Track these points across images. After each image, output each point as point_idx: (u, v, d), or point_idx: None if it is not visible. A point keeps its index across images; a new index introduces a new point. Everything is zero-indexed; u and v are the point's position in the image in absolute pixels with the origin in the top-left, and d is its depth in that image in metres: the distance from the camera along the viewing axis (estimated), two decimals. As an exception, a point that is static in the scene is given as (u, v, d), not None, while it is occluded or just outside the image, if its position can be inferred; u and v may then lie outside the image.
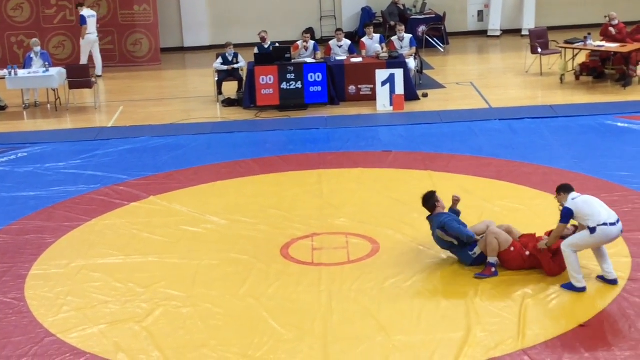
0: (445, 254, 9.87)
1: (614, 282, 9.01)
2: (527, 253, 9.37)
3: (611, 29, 18.14)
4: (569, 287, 8.96)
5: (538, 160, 13.15)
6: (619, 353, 7.79)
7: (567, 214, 8.92)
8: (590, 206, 8.87)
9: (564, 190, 9.12)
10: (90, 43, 20.92)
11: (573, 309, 8.62)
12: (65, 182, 13.23)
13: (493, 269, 9.37)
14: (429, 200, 9.88)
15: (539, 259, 9.30)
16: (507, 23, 24.43)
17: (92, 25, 20.91)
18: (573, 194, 9.01)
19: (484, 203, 11.45)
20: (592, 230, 8.78)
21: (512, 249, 9.39)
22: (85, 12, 20.85)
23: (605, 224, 8.76)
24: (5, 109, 18.18)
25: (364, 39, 18.48)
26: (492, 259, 9.39)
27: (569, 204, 8.93)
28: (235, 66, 17.97)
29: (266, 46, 17.79)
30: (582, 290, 8.90)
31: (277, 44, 17.89)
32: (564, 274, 9.13)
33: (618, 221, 8.86)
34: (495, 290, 9.09)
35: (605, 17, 18.71)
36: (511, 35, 24.09)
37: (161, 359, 8.09)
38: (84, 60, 20.77)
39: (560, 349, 7.89)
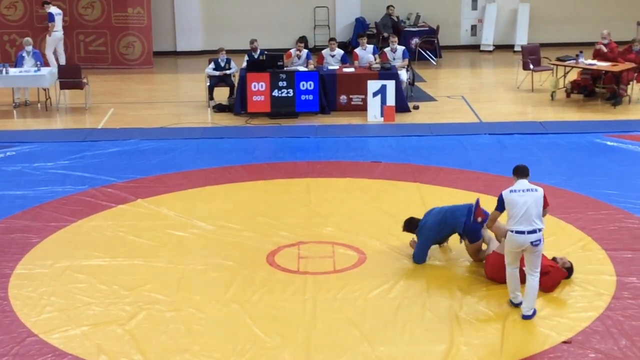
0: (434, 265, 9.85)
1: (525, 318, 8.78)
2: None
3: (602, 47, 18.19)
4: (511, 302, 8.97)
5: (526, 176, 13.16)
6: (601, 371, 7.81)
7: (498, 201, 8.86)
8: (514, 207, 8.68)
9: (515, 173, 8.96)
10: (56, 40, 20.93)
11: (557, 325, 8.62)
12: (52, 182, 13.19)
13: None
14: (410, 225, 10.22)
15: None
16: (499, 38, 24.56)
17: (59, 23, 20.98)
18: (519, 185, 8.79)
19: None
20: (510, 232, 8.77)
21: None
22: (53, 9, 20.85)
23: (511, 231, 8.67)
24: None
25: (356, 50, 18.53)
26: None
27: (503, 192, 8.84)
28: (227, 72, 17.97)
29: (256, 55, 17.79)
30: (517, 305, 8.86)
31: (265, 52, 17.89)
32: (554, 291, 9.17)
33: (533, 232, 8.59)
34: (480, 305, 9.09)
35: (596, 44, 18.77)
36: (503, 51, 24.20)
37: (143, 362, 8.06)
38: (49, 55, 20.71)
39: (542, 365, 7.90)
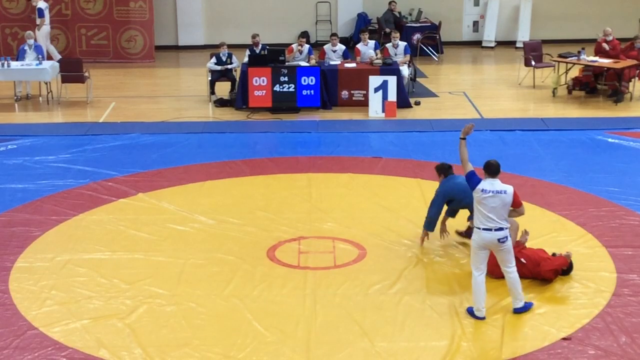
0: (434, 261, 9.86)
1: (517, 312, 8.80)
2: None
3: (605, 45, 18.20)
4: (470, 311, 8.87)
5: (527, 173, 13.17)
6: (601, 367, 7.82)
7: (472, 178, 8.90)
8: (483, 207, 8.68)
9: (486, 170, 8.91)
10: (46, 34, 20.87)
11: (557, 322, 8.63)
12: (53, 175, 13.20)
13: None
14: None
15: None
16: (501, 34, 24.53)
17: (47, 17, 20.93)
18: (490, 185, 8.76)
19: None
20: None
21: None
22: (41, 4, 20.82)
23: (478, 228, 8.70)
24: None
25: (358, 46, 18.49)
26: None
27: (480, 185, 8.80)
28: (229, 67, 17.96)
29: (257, 50, 17.78)
30: (480, 319, 8.73)
31: (267, 47, 17.87)
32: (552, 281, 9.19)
33: (500, 229, 8.61)
34: (480, 300, 9.10)
35: (598, 34, 18.79)
36: (505, 47, 24.18)
37: (143, 356, 8.07)
38: (48, 46, 20.69)
39: (542, 361, 7.91)
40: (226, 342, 8.29)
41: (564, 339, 8.29)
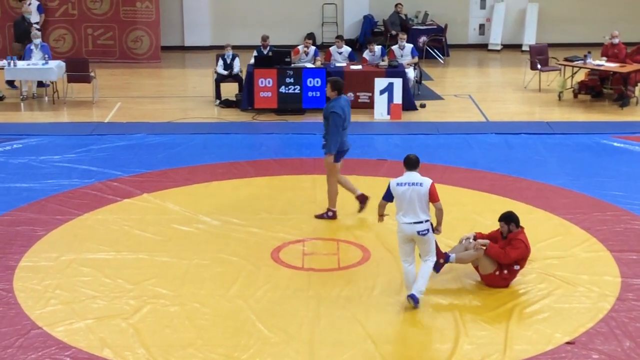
0: (440, 262, 9.84)
1: (412, 300, 8.89)
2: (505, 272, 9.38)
3: (613, 39, 18.13)
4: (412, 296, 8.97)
5: (532, 176, 13.17)
6: (605, 372, 7.81)
7: (386, 191, 9.01)
8: (400, 200, 8.83)
9: (405, 164, 8.96)
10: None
11: (561, 326, 8.62)
12: (59, 175, 13.22)
13: (441, 261, 9.35)
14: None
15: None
16: (508, 38, 24.53)
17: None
18: (406, 178, 8.83)
19: (476, 216, 11.45)
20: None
21: (496, 272, 9.38)
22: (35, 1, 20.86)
23: (399, 221, 8.86)
24: (3, 99, 18.17)
25: (365, 55, 18.35)
26: (452, 258, 9.40)
27: (392, 181, 8.96)
28: (233, 72, 17.93)
29: (265, 51, 17.78)
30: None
31: (273, 48, 17.86)
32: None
33: (419, 222, 8.75)
34: (484, 304, 9.10)
35: (605, 37, 18.79)
36: (511, 50, 24.17)
37: (147, 356, 8.07)
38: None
39: (545, 365, 7.90)
40: (230, 343, 8.30)
41: (567, 343, 8.28)
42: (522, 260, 9.38)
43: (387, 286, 9.48)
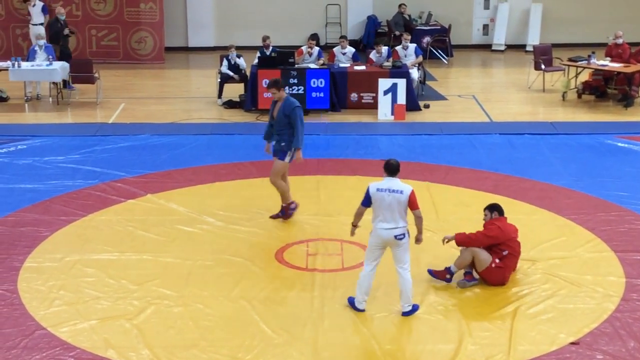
0: (442, 265, 9.85)
1: (405, 314, 8.87)
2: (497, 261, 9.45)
3: (617, 39, 18.11)
4: (351, 301, 8.99)
5: (536, 176, 13.15)
6: (609, 372, 7.80)
7: (365, 196, 8.88)
8: (379, 206, 8.74)
9: (386, 169, 8.91)
10: (36, 34, 20.88)
11: (565, 326, 8.61)
12: (63, 176, 13.23)
13: (447, 276, 9.46)
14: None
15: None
16: (511, 38, 24.51)
17: (34, 17, 20.95)
18: (387, 184, 8.78)
19: (480, 216, 11.41)
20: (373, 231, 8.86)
21: (493, 265, 9.39)
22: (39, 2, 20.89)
23: (376, 227, 8.76)
24: (7, 100, 18.19)
25: (372, 55, 18.31)
26: (454, 268, 9.49)
27: (371, 186, 8.85)
28: (236, 75, 17.92)
29: (268, 52, 17.78)
30: (359, 310, 8.88)
31: (276, 49, 17.86)
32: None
33: (392, 229, 8.68)
34: (488, 304, 9.09)
35: (608, 37, 18.77)
36: (515, 51, 24.16)
37: (150, 357, 8.08)
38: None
39: (550, 366, 7.90)
40: (233, 344, 8.30)
41: (572, 343, 8.27)
42: (502, 244, 9.44)
43: (391, 286, 9.46)
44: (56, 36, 19.13)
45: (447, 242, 9.66)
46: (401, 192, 8.73)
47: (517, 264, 9.64)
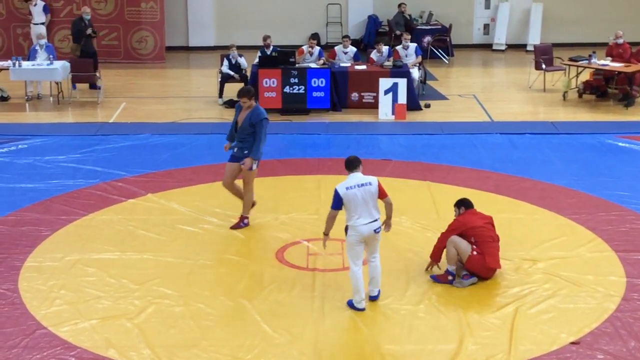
0: (443, 264, 9.85)
1: (373, 299, 9.07)
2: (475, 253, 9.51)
3: (618, 39, 18.11)
4: (350, 303, 9.01)
5: (537, 176, 13.15)
6: (610, 372, 7.80)
7: (334, 199, 8.86)
8: (354, 204, 8.75)
9: (347, 166, 8.97)
10: (37, 34, 20.89)
11: (566, 326, 8.61)
12: (64, 175, 13.23)
13: (450, 277, 9.49)
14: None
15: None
16: (512, 38, 24.51)
17: (35, 16, 21.03)
18: (353, 180, 8.82)
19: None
20: (346, 229, 8.89)
21: (474, 253, 9.44)
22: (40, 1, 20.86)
23: (355, 225, 8.79)
24: (8, 99, 18.20)
25: (372, 55, 18.32)
26: (451, 268, 9.51)
27: (339, 188, 8.84)
28: (237, 74, 17.92)
29: (268, 52, 17.78)
30: (360, 310, 8.91)
31: (277, 48, 17.85)
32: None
33: (374, 221, 8.76)
34: (488, 304, 9.09)
35: (609, 37, 18.77)
36: (516, 50, 24.16)
37: (151, 356, 8.08)
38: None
39: (550, 366, 7.90)
40: (234, 344, 8.30)
41: (572, 343, 8.27)
42: (466, 233, 9.50)
43: (391, 286, 9.47)
44: (79, 35, 19.12)
45: (431, 268, 9.78)
46: (369, 183, 8.85)
47: (497, 250, 9.61)
